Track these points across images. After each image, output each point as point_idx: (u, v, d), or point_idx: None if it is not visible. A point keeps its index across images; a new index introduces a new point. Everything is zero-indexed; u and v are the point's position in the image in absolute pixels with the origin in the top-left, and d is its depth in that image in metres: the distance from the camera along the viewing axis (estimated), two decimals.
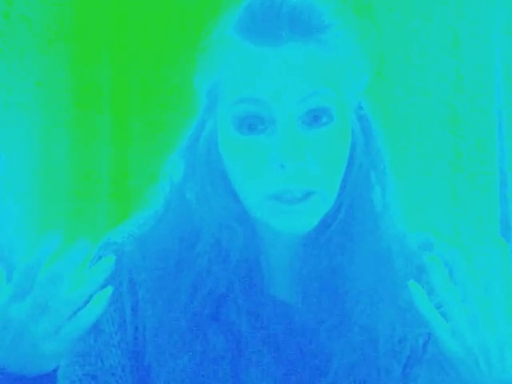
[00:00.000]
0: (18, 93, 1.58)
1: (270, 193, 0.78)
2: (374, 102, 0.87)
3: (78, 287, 0.72)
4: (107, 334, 0.86)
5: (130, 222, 0.91)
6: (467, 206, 1.70)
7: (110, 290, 0.74)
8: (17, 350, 0.72)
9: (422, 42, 1.69)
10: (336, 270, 0.85)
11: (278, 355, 0.86)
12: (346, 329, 0.84)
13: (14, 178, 1.59)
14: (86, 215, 1.61)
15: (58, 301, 0.71)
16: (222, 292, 0.85)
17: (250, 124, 0.78)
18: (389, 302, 0.84)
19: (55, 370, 0.75)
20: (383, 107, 0.87)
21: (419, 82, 1.69)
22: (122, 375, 0.86)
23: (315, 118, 0.78)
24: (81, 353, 0.86)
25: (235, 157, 0.80)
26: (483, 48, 1.69)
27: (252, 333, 0.85)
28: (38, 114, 1.60)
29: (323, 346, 0.85)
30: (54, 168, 1.61)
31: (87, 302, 0.73)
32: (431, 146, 1.69)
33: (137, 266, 0.87)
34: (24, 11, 1.57)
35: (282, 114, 0.77)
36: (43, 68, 1.59)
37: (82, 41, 1.60)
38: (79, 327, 0.73)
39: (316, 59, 0.78)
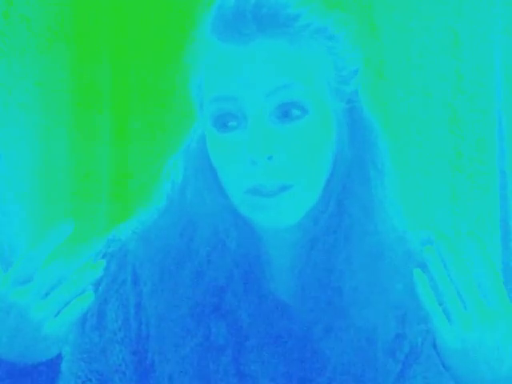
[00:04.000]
0: (18, 93, 1.59)
1: (246, 188, 0.79)
2: (370, 96, 0.85)
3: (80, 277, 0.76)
4: (111, 330, 0.87)
5: (134, 219, 0.92)
6: (467, 206, 1.70)
7: (100, 270, 0.77)
8: (19, 335, 0.74)
9: (422, 42, 1.69)
10: (331, 268, 0.85)
11: (279, 346, 0.86)
12: (342, 328, 0.84)
13: (14, 178, 1.59)
14: (86, 215, 1.61)
15: (61, 287, 0.74)
16: (222, 283, 0.85)
17: (224, 121, 0.79)
18: (385, 301, 0.84)
19: (57, 363, 0.77)
20: (383, 107, 0.87)
21: (419, 82, 1.69)
22: (125, 371, 0.87)
23: (287, 112, 0.78)
24: (86, 349, 0.87)
25: (215, 154, 0.81)
26: (483, 48, 1.69)
27: (252, 323, 0.85)
28: (38, 114, 1.60)
29: (319, 345, 0.85)
30: (53, 168, 1.61)
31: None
32: (431, 145, 1.69)
33: (140, 263, 0.88)
34: (24, 11, 1.58)
35: (252, 109, 0.77)
36: (43, 68, 1.59)
37: (82, 41, 1.60)
38: (77, 311, 0.76)
39: (285, 53, 0.77)
